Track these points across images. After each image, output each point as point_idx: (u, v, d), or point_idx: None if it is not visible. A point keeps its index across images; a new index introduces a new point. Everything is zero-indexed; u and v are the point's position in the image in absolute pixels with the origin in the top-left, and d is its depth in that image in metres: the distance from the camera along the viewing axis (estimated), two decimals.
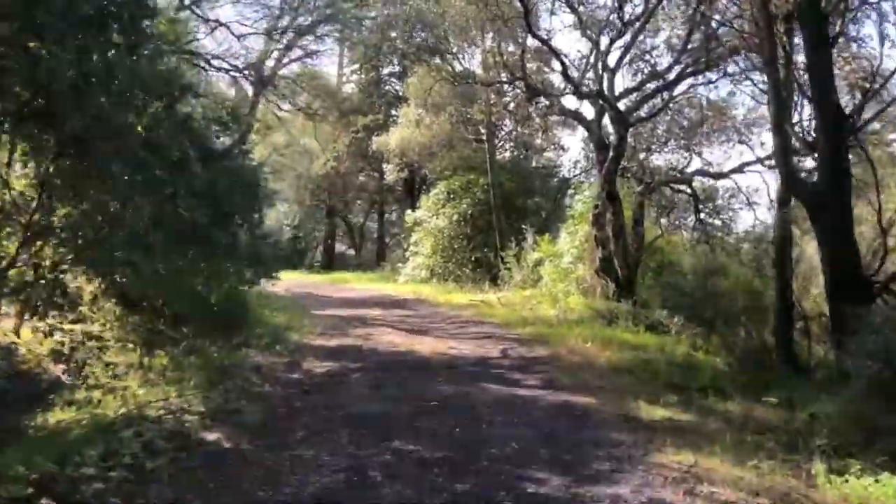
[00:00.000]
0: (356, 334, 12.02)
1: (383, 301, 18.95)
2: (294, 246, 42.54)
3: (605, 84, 14.21)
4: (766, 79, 10.42)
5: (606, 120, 15.29)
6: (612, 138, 14.14)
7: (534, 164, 26.80)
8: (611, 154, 13.69)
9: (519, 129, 23.98)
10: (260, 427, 5.74)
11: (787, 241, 8.73)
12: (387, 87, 30.23)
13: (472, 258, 22.01)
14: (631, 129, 14.96)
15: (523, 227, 20.31)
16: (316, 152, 31.15)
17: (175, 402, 6.52)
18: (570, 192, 26.47)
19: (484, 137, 22.03)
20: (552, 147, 25.53)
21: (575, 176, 25.93)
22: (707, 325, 9.76)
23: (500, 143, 25.57)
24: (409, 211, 23.99)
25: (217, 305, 10.14)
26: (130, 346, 8.69)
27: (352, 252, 38.40)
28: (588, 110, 17.00)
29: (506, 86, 18.80)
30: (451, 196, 22.80)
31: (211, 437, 5.46)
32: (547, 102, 16.77)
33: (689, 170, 17.47)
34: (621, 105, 14.55)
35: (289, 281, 28.16)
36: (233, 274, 9.30)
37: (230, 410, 6.23)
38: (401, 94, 27.22)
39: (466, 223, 22.33)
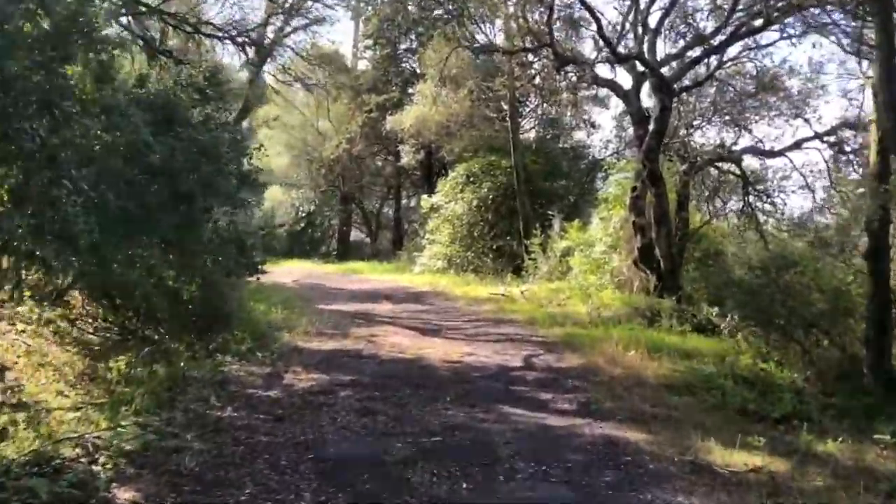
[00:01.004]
0: (358, 335, 10.57)
1: (396, 294, 17.50)
2: (310, 234, 41.42)
3: (646, 47, 12.47)
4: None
5: (645, 92, 13.64)
6: (653, 110, 12.41)
7: (561, 144, 25.01)
8: (651, 128, 12.01)
9: (545, 105, 22.21)
10: (195, 478, 4.28)
11: (886, 227, 7.04)
12: (403, 65, 28.60)
13: (493, 247, 20.45)
14: (673, 102, 13.22)
15: (549, 212, 18.72)
16: (330, 134, 29.71)
17: (104, 434, 5.10)
18: (602, 174, 24.78)
19: (507, 115, 20.32)
20: (581, 125, 23.75)
21: (606, 157, 24.14)
22: (777, 329, 8.10)
23: (525, 122, 23.84)
24: (424, 196, 22.43)
25: (191, 301, 8.81)
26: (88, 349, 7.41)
27: (369, 240, 37.05)
28: (624, 79, 15.30)
29: (530, 56, 17.08)
30: (471, 179, 21.23)
31: (123, 496, 4.00)
32: (577, 73, 15.04)
33: (736, 147, 15.64)
34: (663, 72, 12.79)
35: (300, 271, 27.13)
36: (206, 265, 7.86)
37: (167, 449, 4.78)
38: (417, 70, 25.62)
39: (487, 209, 20.75)
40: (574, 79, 17.09)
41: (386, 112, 24.21)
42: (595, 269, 14.25)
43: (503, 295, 15.49)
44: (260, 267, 10.02)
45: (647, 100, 13.74)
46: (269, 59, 17.68)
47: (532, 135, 24.46)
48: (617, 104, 21.00)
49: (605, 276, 13.69)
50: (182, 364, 7.41)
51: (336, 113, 29.94)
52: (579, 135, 25.83)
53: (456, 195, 21.05)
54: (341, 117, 28.89)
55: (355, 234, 41.19)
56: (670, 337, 9.86)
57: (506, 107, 20.16)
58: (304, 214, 42.39)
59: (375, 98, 25.18)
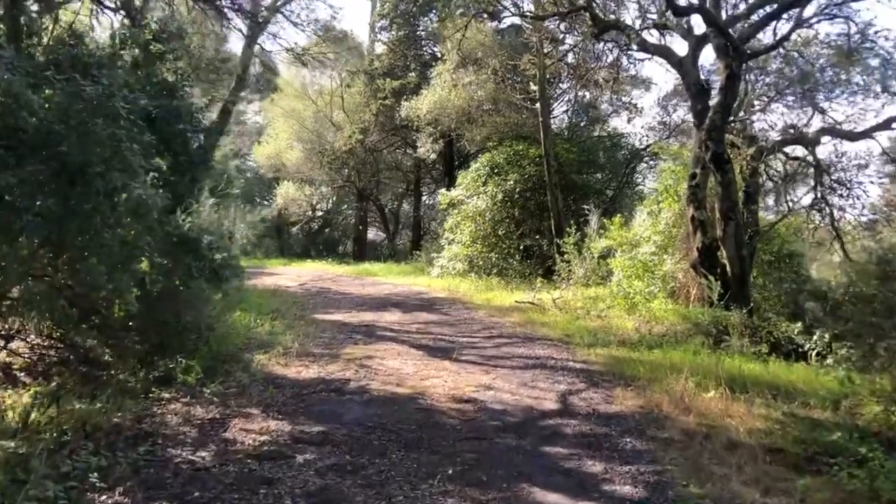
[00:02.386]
0: (351, 356, 8.66)
1: (407, 301, 15.57)
2: (327, 234, 39.71)
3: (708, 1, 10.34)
4: None
5: (703, 61, 11.53)
6: (717, 79, 10.27)
7: (597, 132, 22.84)
8: (715, 100, 9.87)
9: (579, 87, 20.06)
10: None
11: None
12: (423, 49, 26.66)
13: (521, 247, 18.41)
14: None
15: (585, 208, 16.59)
16: (345, 126, 27.89)
17: None
18: (644, 164, 22.60)
19: (535, 96, 18.24)
20: (622, 108, 21.52)
21: (648, 145, 21.93)
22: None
23: (556, 106, 21.74)
24: (443, 191, 20.44)
25: (129, 316, 7.00)
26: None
27: (386, 240, 35.24)
28: (678, 47, 13.12)
29: (562, 27, 15.02)
30: (495, 171, 19.21)
31: None
32: (619, 42, 12.93)
33: (809, 129, 13.39)
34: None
35: (310, 273, 25.37)
36: (122, 271, 5.97)
37: None
38: (437, 53, 23.66)
39: (513, 204, 18.71)
40: (615, 52, 15.01)
41: (402, 98, 22.26)
42: (642, 274, 12.15)
43: (532, 303, 13.50)
44: (227, 273, 8.12)
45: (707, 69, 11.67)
46: (264, 31, 15.74)
47: (564, 121, 22.31)
48: (662, 85, 18.80)
49: (656, 283, 11.58)
50: (103, 403, 5.62)
51: (351, 103, 28.17)
52: (616, 122, 23.68)
53: (478, 189, 19.05)
54: (356, 106, 27.10)
55: (374, 234, 39.48)
56: (749, 364, 7.75)
57: (534, 88, 18.06)
58: (321, 213, 40.89)
59: (391, 83, 23.23)
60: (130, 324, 7.18)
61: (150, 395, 6.30)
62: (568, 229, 15.16)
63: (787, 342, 9.26)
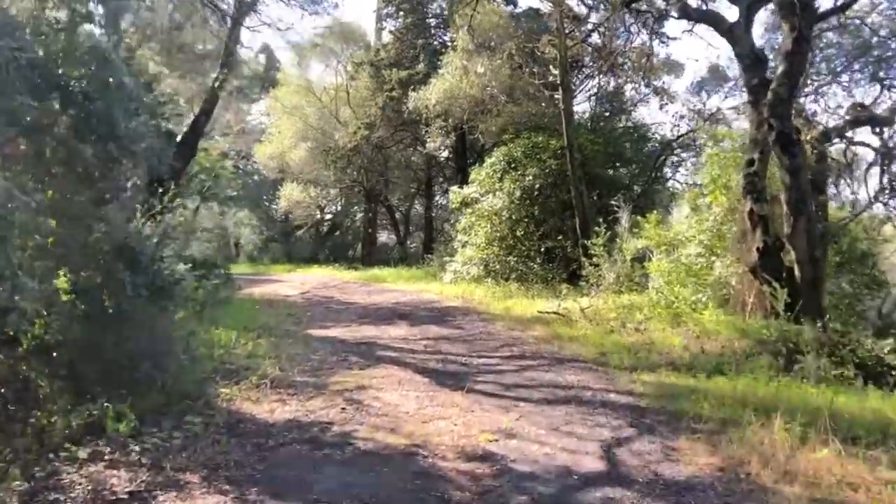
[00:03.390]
0: (341, 386, 7.21)
1: (417, 311, 14.11)
2: (336, 238, 38.35)
3: None
4: None
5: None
6: (781, 46, 8.66)
7: (623, 122, 21.21)
8: (781, 69, 8.27)
9: (604, 70, 18.45)
10: None
11: None
12: (433, 37, 25.18)
13: (542, 249, 16.87)
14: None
15: (614, 204, 14.99)
16: (351, 122, 26.45)
17: None
18: (674, 157, 20.95)
19: (556, 82, 16.66)
20: (651, 94, 19.87)
21: (680, 136, 20.29)
22: None
23: (578, 94, 20.13)
24: (454, 188, 18.90)
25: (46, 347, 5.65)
26: None
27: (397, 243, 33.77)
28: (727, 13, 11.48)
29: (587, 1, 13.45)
30: (513, 165, 17.67)
31: None
32: (651, 11, 11.34)
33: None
34: None
35: (315, 280, 24.00)
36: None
37: None
38: (448, 40, 22.17)
39: (533, 201, 17.16)
40: (644, 31, 13.41)
41: (409, 90, 20.76)
42: (685, 279, 10.55)
43: (557, 313, 11.97)
44: (180, 291, 6.71)
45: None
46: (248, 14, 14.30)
47: (587, 111, 20.72)
48: (693, 70, 17.15)
49: (705, 290, 9.98)
50: None
51: (357, 98, 26.77)
52: (643, 112, 22.05)
53: (494, 185, 17.51)
54: (362, 101, 25.68)
55: (386, 237, 38.07)
56: (842, 396, 6.14)
57: (555, 72, 16.48)
58: (329, 215, 39.52)
59: (398, 73, 21.73)
60: (55, 354, 5.80)
61: (65, 450, 4.87)
62: (596, 228, 13.55)
63: (876, 363, 7.66)
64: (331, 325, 12.26)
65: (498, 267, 16.92)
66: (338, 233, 38.75)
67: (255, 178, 38.75)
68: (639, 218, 12.70)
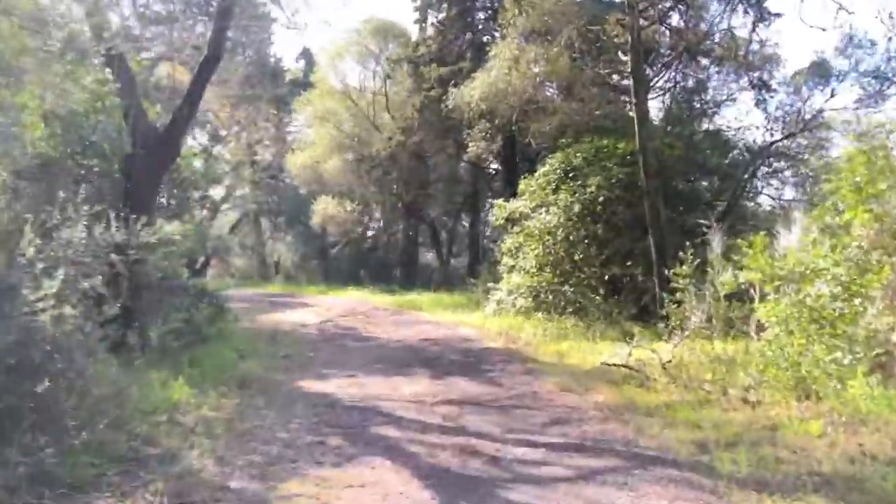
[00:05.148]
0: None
1: (445, 354, 11.59)
2: (378, 257, 36.08)
3: None
4: None
5: None
6: None
7: (705, 125, 18.24)
8: None
9: (685, 59, 15.56)
10: None
11: None
12: (481, 34, 22.69)
13: (605, 277, 14.04)
14: None
15: (702, 223, 12.09)
16: (391, 129, 24.17)
17: None
18: (766, 168, 17.87)
19: (627, 71, 13.86)
20: (748, 87, 16.82)
21: (774, 142, 17.22)
22: None
23: (654, 87, 17.22)
24: (499, 201, 16.21)
25: None
26: None
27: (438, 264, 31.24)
28: None
29: None
30: (571, 175, 14.97)
31: None
32: None
33: None
34: None
35: (344, 305, 21.64)
36: None
37: None
38: (496, 31, 19.65)
39: (596, 218, 14.40)
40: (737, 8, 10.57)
41: (450, 86, 18.24)
42: (814, 330, 7.63)
43: (628, 367, 9.18)
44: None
45: None
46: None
47: (661, 109, 17.81)
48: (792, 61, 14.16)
49: (847, 347, 7.05)
50: None
51: (396, 102, 24.56)
52: (728, 114, 19.01)
53: (547, 198, 14.83)
54: (399, 105, 23.43)
55: (430, 257, 35.66)
56: None
57: (625, 58, 13.67)
58: (372, 232, 37.34)
59: (437, 69, 19.26)
60: None
61: None
62: (680, 254, 10.65)
63: None
64: (332, 374, 9.79)
65: (550, 298, 14.19)
66: (379, 252, 36.55)
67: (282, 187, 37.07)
68: (738, 241, 9.76)
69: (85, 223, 5.67)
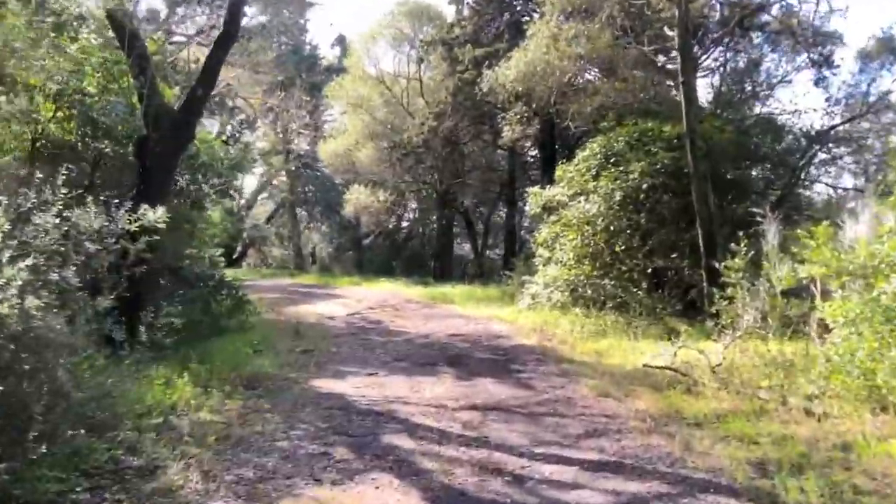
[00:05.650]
0: None
1: (474, 351, 10.91)
2: (412, 248, 35.52)
3: None
4: None
5: None
6: None
7: (757, 109, 17.11)
8: None
9: (737, 34, 14.47)
10: None
11: None
12: (519, 13, 21.79)
13: (648, 270, 13.16)
14: None
15: (755, 212, 11.12)
16: (420, 114, 23.46)
17: None
18: (824, 153, 16.70)
19: (674, 47, 12.89)
20: (803, 67, 15.67)
21: (832, 127, 16.04)
22: None
23: (702, 65, 16.16)
24: (534, 189, 15.38)
25: None
26: None
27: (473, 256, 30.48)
28: None
29: None
30: (612, 160, 14.08)
31: None
32: None
33: None
34: None
35: (376, 297, 21.07)
36: None
37: None
38: (534, 8, 18.75)
39: (639, 207, 13.52)
40: None
41: (485, 68, 17.41)
42: (892, 330, 6.72)
43: (673, 370, 8.38)
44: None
45: None
46: None
47: (710, 90, 16.73)
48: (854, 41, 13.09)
49: None
50: None
51: (430, 87, 23.83)
52: (783, 96, 17.82)
53: (586, 185, 13.96)
54: (433, 89, 22.68)
55: (466, 248, 34.95)
56: None
57: (672, 34, 12.69)
58: (406, 223, 36.78)
59: (472, 50, 18.44)
60: None
61: None
62: (732, 245, 9.74)
63: None
64: (351, 373, 9.18)
65: (589, 292, 13.35)
66: (413, 243, 35.95)
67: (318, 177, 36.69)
68: (797, 232, 8.83)
69: (60, 206, 5.10)
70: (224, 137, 35.60)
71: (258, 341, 11.17)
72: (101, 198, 7.16)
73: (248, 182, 47.57)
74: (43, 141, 10.35)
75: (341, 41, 39.11)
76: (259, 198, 46.35)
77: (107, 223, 5.38)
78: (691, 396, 7.56)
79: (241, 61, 24.75)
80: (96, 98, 10.29)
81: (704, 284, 11.66)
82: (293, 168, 34.71)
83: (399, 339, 12.28)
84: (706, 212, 11.89)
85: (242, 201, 47.57)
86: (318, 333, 13.14)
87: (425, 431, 6.29)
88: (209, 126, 34.33)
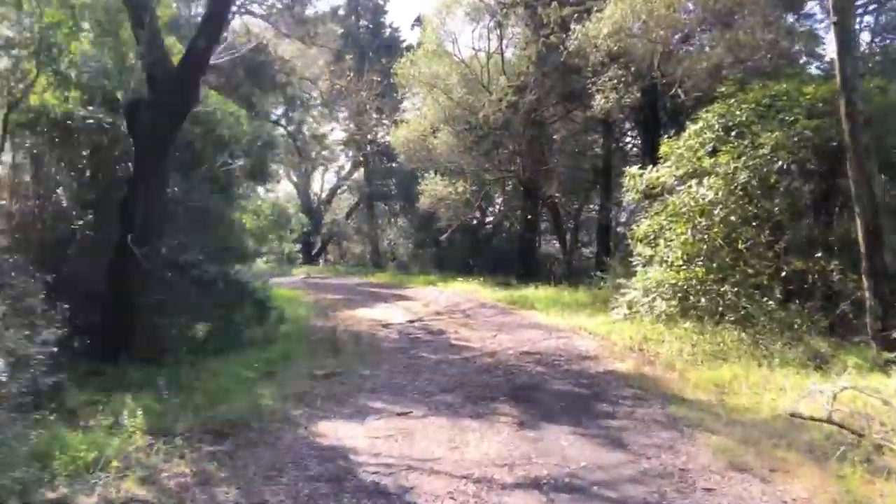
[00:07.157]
0: None
1: (549, 382, 8.60)
2: (497, 245, 33.27)
3: None
4: None
5: None
6: None
7: None
8: None
9: None
10: None
11: None
12: None
13: (783, 274, 10.35)
14: None
15: None
16: (500, 91, 21.13)
17: None
18: None
19: None
20: None
21: None
22: None
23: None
24: (632, 169, 12.68)
25: None
26: None
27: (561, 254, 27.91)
28: None
29: None
30: (733, 132, 11.29)
31: None
32: None
33: None
34: None
35: (446, 299, 19.08)
36: None
37: None
38: None
39: (769, 191, 10.69)
40: None
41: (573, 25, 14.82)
42: None
43: (832, 423, 5.80)
44: None
45: None
46: None
47: (864, 46, 13.57)
48: None
49: None
50: None
51: (509, 60, 21.46)
52: None
53: (700, 164, 11.24)
54: (516, 61, 20.27)
55: (555, 245, 32.43)
56: None
57: None
58: (491, 217, 34.61)
59: (558, 9, 15.87)
60: None
61: None
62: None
63: None
64: (375, 410, 7.12)
65: (703, 301, 10.68)
66: (496, 239, 33.66)
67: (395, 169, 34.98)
68: None
69: None
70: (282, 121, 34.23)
71: (277, 359, 9.25)
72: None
73: (328, 177, 46.85)
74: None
75: (420, 21, 37.45)
76: (338, 192, 45.33)
77: None
78: (877, 474, 4.98)
79: (311, 40, 23.12)
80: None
81: (866, 294, 8.83)
82: (367, 159, 33.09)
83: (456, 358, 10.08)
84: (869, 197, 9.02)
85: (323, 195, 46.82)
86: (361, 348, 11.20)
87: None
88: (273, 113, 33.45)
